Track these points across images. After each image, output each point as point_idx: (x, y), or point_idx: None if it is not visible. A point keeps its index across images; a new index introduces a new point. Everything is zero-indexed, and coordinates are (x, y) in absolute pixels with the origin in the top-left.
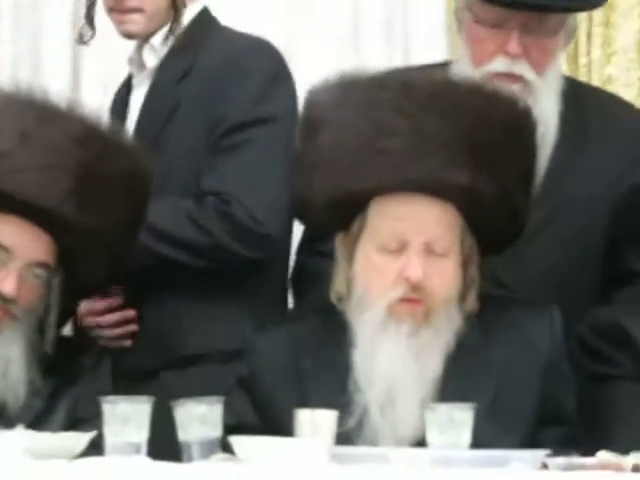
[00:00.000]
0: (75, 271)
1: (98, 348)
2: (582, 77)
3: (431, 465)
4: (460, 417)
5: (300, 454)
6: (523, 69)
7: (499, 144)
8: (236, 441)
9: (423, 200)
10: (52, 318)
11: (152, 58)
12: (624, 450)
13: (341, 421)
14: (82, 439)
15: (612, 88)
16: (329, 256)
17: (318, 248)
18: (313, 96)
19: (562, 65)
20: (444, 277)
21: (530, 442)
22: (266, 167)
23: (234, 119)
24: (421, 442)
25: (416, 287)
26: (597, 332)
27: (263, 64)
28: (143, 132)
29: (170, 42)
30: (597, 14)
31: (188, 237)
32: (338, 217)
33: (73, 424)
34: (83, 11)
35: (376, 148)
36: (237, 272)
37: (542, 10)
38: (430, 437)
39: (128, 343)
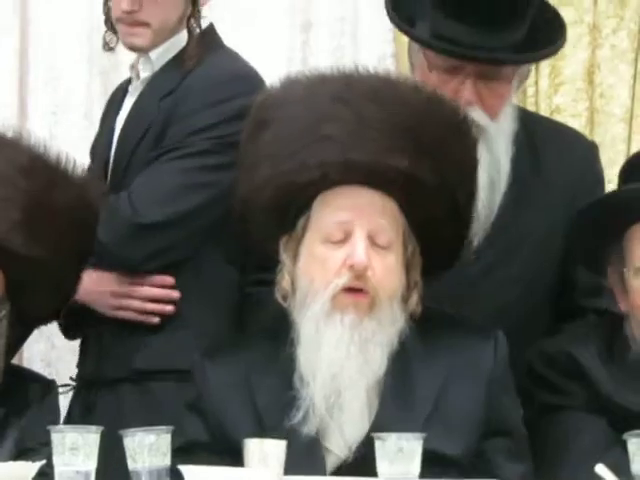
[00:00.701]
0: (23, 302)
1: (46, 378)
2: (530, 107)
3: None
4: (409, 447)
5: None
6: (477, 115)
7: (439, 138)
8: (186, 470)
9: (366, 192)
10: (1, 348)
11: (146, 70)
12: (573, 477)
13: (288, 416)
14: (31, 468)
15: (560, 118)
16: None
17: (262, 278)
18: (258, 100)
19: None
20: (387, 270)
21: (476, 453)
22: (168, 170)
23: (170, 139)
24: (366, 442)
25: (360, 275)
26: (548, 362)
27: (239, 96)
28: (122, 146)
29: (169, 57)
30: None
31: None
32: (281, 220)
33: (21, 454)
34: (29, 41)
35: (318, 134)
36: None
37: (495, 64)
38: (380, 467)
39: (155, 320)
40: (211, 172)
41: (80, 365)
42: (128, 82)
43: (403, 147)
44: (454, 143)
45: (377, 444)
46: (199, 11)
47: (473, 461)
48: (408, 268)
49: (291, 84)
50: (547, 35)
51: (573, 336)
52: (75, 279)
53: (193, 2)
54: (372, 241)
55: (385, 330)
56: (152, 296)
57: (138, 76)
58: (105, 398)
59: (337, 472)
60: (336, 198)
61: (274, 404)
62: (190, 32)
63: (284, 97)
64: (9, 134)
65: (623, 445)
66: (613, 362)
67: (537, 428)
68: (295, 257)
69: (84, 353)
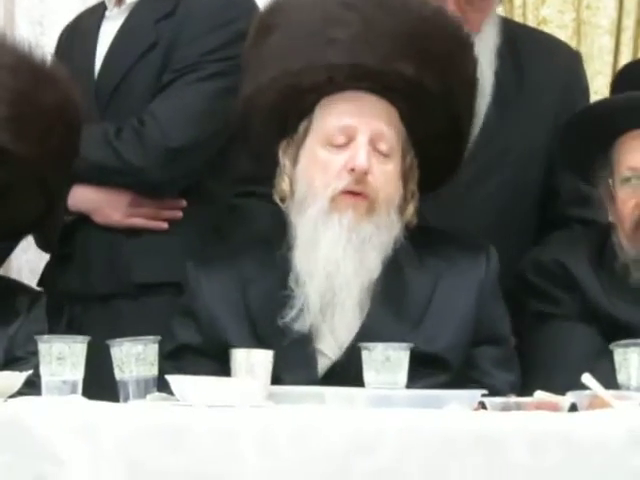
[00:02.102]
0: (10, 205)
1: (34, 290)
2: (517, 18)
3: (367, 405)
4: (396, 356)
5: (236, 394)
6: None
7: (445, 48)
8: (173, 380)
9: (370, 98)
10: None
11: None
12: (564, 388)
13: (281, 315)
14: (17, 378)
15: (547, 29)
16: (261, 197)
17: (248, 190)
18: (267, 6)
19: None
20: (387, 177)
21: (465, 358)
22: (191, 94)
23: (182, 62)
24: (355, 344)
25: (360, 179)
26: (539, 270)
27: (239, 20)
28: (112, 67)
29: None
30: None
31: (99, 159)
32: (283, 122)
33: (9, 363)
34: None
35: (326, 37)
36: (158, 193)
37: None
38: (367, 376)
39: (165, 226)
40: (227, 95)
41: (56, 278)
42: (100, 9)
43: (410, 54)
44: (458, 56)
45: (364, 354)
46: None
47: (463, 367)
48: (405, 179)
49: None
50: None
51: (564, 245)
52: (61, 181)
53: None
54: (373, 147)
55: (382, 234)
56: (164, 205)
57: (120, 1)
58: (96, 313)
59: (328, 374)
60: (340, 103)
61: (268, 305)
62: None
63: (290, 2)
64: None
65: (612, 355)
66: (603, 271)
67: (528, 336)
68: (295, 160)
69: (63, 266)
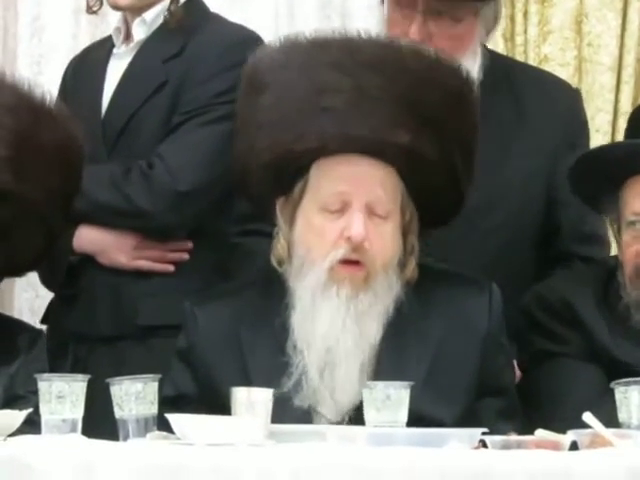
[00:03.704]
0: (11, 243)
1: (35, 328)
2: (518, 56)
3: (368, 443)
4: (397, 395)
5: (236, 432)
6: None
7: (440, 107)
8: (173, 419)
9: (365, 161)
10: None
11: (141, 32)
12: (567, 427)
13: (279, 382)
14: (18, 416)
15: (548, 67)
16: (263, 235)
17: (250, 228)
18: (255, 60)
19: (498, 45)
20: (385, 240)
21: (469, 414)
22: (201, 136)
23: (192, 104)
24: (359, 407)
25: (357, 247)
26: (545, 308)
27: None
28: (120, 106)
29: (162, 20)
30: None
31: (107, 201)
32: (279, 181)
33: (9, 401)
34: None
35: (318, 106)
36: (166, 236)
37: None
38: (367, 415)
39: (171, 268)
40: None
41: (61, 318)
42: (107, 45)
43: (404, 121)
44: (455, 111)
45: (365, 393)
46: None
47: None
48: (405, 233)
49: (290, 47)
50: None
51: (570, 283)
52: (61, 220)
53: None
54: (370, 211)
55: (381, 300)
56: (170, 247)
57: (128, 38)
58: (101, 354)
59: None
60: (335, 167)
61: (265, 368)
62: None
63: (283, 60)
64: None
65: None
66: (608, 310)
67: (532, 372)
68: (292, 222)
69: (68, 307)
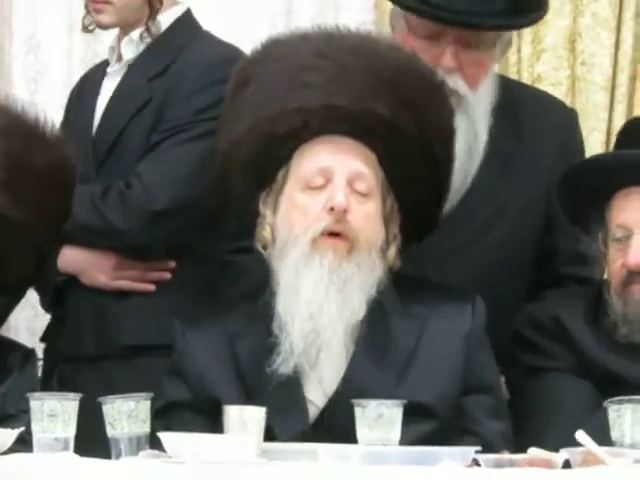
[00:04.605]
0: (4, 265)
1: (26, 347)
2: (512, 75)
3: (362, 461)
4: (389, 414)
5: (228, 450)
6: (457, 83)
7: (419, 93)
8: (165, 437)
9: (347, 140)
10: None
11: (129, 51)
12: (558, 443)
13: (268, 363)
14: (10, 435)
15: (542, 86)
16: (254, 252)
17: (241, 246)
18: (239, 62)
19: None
20: (367, 217)
21: (455, 410)
22: (180, 154)
23: (173, 122)
24: (346, 379)
25: (340, 218)
26: (535, 325)
27: (229, 78)
28: (108, 125)
29: (147, 39)
30: None
31: (85, 220)
32: (261, 174)
33: (1, 420)
34: (11, 10)
35: (299, 82)
36: (144, 255)
37: (475, 29)
38: (360, 433)
39: (152, 288)
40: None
41: (52, 338)
42: (104, 65)
43: (384, 96)
44: (433, 101)
45: (357, 411)
46: None
47: (453, 416)
48: (387, 221)
49: (273, 43)
50: (529, 4)
51: (560, 301)
52: (53, 241)
53: None
54: (352, 187)
55: (364, 273)
56: (151, 267)
57: (120, 58)
58: (87, 374)
59: (317, 422)
60: (315, 147)
61: (255, 356)
62: (151, 8)
63: (266, 55)
64: None
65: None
66: (597, 326)
67: (522, 390)
68: (275, 208)
69: (58, 327)
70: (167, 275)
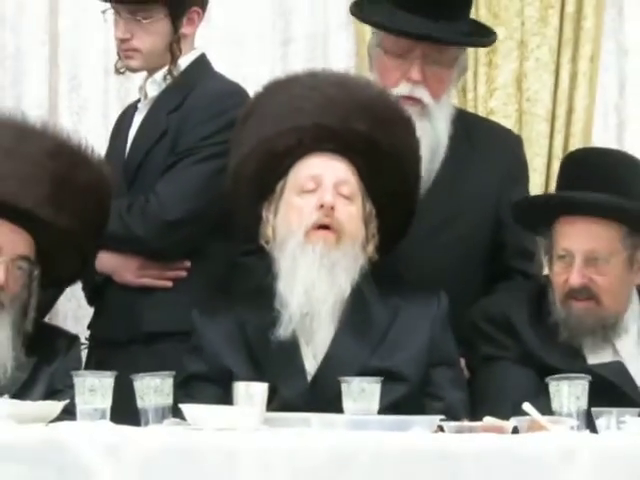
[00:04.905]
0: (51, 265)
1: (71, 333)
2: (470, 109)
3: (346, 428)
4: (370, 389)
5: (238, 419)
6: (422, 94)
7: (390, 120)
8: (186, 408)
9: (333, 156)
10: (33, 304)
11: (153, 89)
12: (505, 417)
13: (271, 332)
14: (57, 406)
15: (494, 118)
16: (257, 253)
17: (249, 248)
18: (247, 101)
19: (454, 98)
20: (350, 216)
21: (424, 379)
22: (190, 173)
23: (184, 146)
24: (331, 350)
25: (328, 214)
26: (488, 319)
27: (232, 109)
28: (136, 150)
29: (169, 79)
30: (482, 56)
31: (113, 230)
32: (263, 187)
33: (50, 394)
34: (58, 53)
35: (292, 107)
36: (162, 258)
37: (444, 44)
38: (346, 405)
39: (169, 284)
40: (221, 173)
41: (93, 326)
42: (136, 102)
43: (363, 118)
44: (402, 127)
45: (343, 386)
46: (180, 38)
47: (422, 384)
48: (366, 223)
49: (271, 84)
50: (484, 32)
51: (509, 299)
52: (93, 246)
53: (175, 31)
54: (338, 190)
55: (348, 260)
56: (169, 267)
57: (146, 96)
58: (118, 356)
59: (312, 383)
60: (309, 162)
61: (261, 332)
62: (172, 54)
63: (265, 93)
64: (38, 124)
65: (546, 390)
66: (540, 324)
67: (478, 374)
68: (275, 212)
69: (97, 316)
70: (183, 273)
